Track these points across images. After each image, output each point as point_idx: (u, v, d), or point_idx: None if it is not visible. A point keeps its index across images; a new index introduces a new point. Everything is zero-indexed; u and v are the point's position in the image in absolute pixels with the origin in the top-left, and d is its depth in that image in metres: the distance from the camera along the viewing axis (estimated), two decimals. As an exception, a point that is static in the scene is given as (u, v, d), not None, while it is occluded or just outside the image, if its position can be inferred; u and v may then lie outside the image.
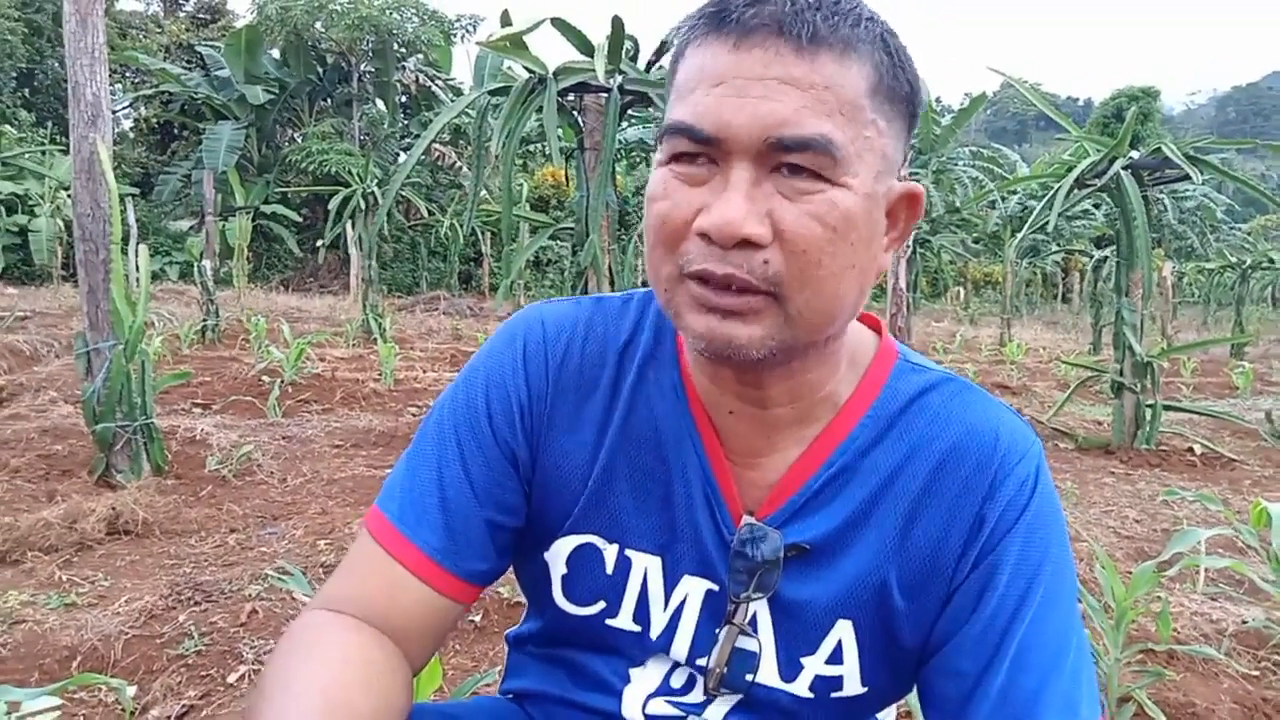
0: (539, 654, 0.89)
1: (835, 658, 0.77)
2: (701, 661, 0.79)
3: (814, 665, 0.77)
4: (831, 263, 0.66)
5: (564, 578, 0.83)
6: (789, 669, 0.77)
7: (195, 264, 8.81)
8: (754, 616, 0.77)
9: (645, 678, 0.82)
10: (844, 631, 0.77)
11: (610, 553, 0.81)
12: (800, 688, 0.78)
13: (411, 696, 0.75)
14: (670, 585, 0.80)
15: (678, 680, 0.82)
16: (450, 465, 0.80)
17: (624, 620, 0.81)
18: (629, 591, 0.81)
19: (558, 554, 0.82)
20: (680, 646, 0.80)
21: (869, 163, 0.66)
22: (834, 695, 0.78)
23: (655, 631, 0.80)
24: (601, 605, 0.82)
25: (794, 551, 0.76)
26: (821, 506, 0.77)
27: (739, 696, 0.79)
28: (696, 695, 0.81)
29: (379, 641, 0.74)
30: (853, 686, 0.78)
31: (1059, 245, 16.87)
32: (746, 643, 0.78)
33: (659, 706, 0.82)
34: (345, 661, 0.69)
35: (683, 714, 0.81)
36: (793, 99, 0.63)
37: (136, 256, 3.54)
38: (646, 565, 0.80)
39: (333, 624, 0.73)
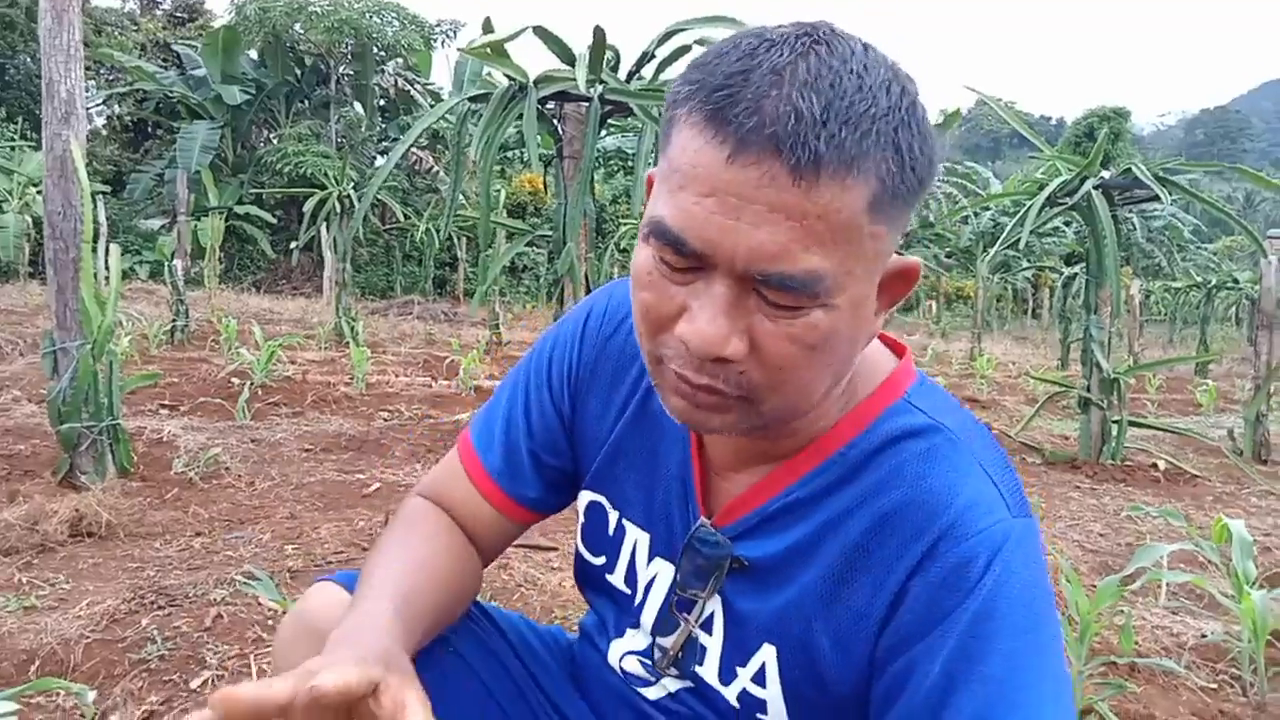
0: (584, 591, 1.01)
1: (759, 679, 0.79)
2: (661, 640, 0.86)
3: (743, 678, 0.81)
4: (806, 374, 0.66)
5: (582, 525, 0.96)
6: (726, 674, 0.82)
7: (166, 263, 8.71)
8: (711, 615, 0.83)
9: (635, 638, 0.92)
10: (768, 655, 0.78)
11: (613, 517, 0.92)
12: (731, 695, 0.82)
13: (480, 579, 0.96)
14: (649, 560, 0.89)
15: (655, 651, 0.89)
16: (515, 402, 0.96)
17: (618, 580, 0.92)
18: (622, 555, 0.91)
19: (581, 502, 0.95)
20: (647, 618, 0.88)
21: (858, 276, 0.64)
22: (759, 718, 0.80)
23: (637, 599, 0.90)
24: (603, 559, 0.94)
25: (736, 564, 0.80)
26: (769, 531, 0.79)
27: (689, 683, 0.86)
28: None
29: (457, 535, 0.94)
30: (777, 716, 0.79)
31: (1030, 261, 17.08)
32: (701, 636, 0.84)
33: (631, 663, 0.91)
34: (434, 537, 0.91)
35: (648, 676, 0.90)
36: (783, 231, 0.60)
37: (107, 255, 3.49)
38: (637, 538, 0.90)
39: (430, 512, 0.95)
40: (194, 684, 1.87)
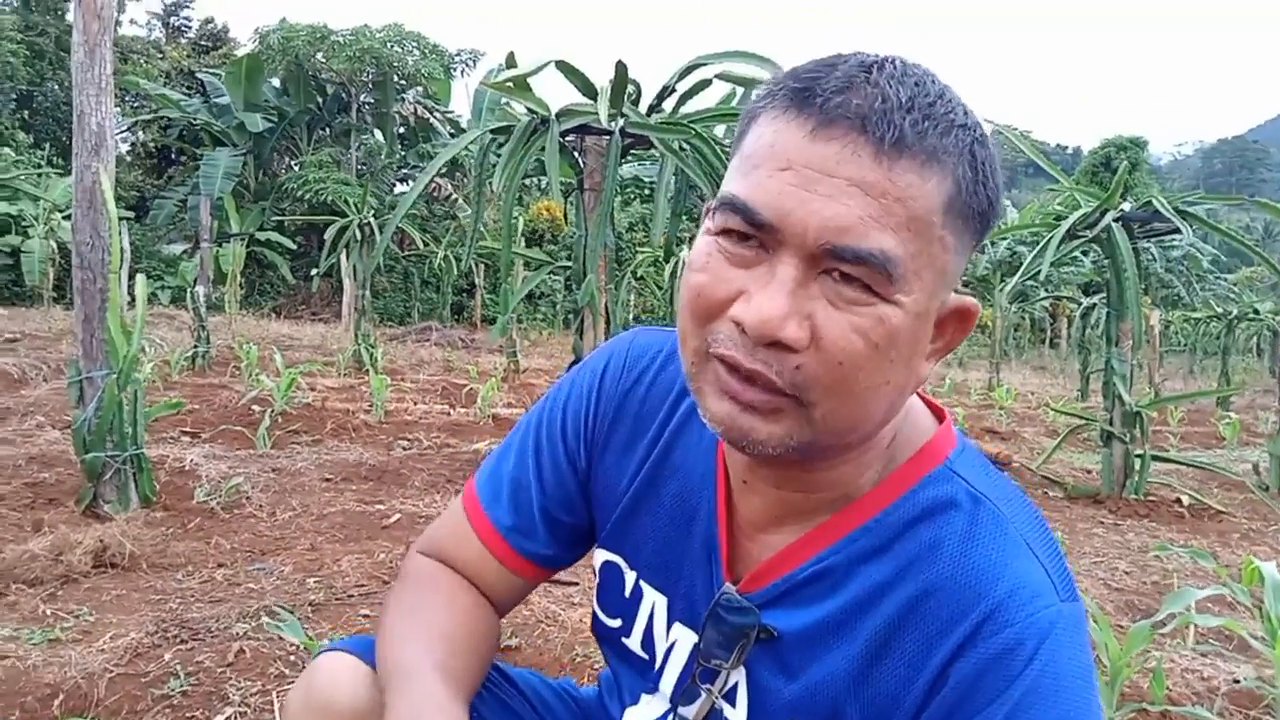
0: (601, 647, 0.97)
1: None
2: (682, 710, 0.81)
3: None
4: (867, 378, 0.62)
5: (598, 586, 0.91)
6: None
7: (188, 289, 8.80)
8: (735, 686, 0.78)
9: (650, 706, 0.86)
10: None
11: (629, 578, 0.87)
12: None
13: (499, 635, 0.91)
14: (668, 626, 0.84)
15: None
16: (526, 456, 0.90)
17: (634, 644, 0.87)
18: (639, 619, 0.86)
19: (597, 562, 0.90)
20: (666, 686, 0.83)
21: (926, 280, 0.62)
22: None
23: (657, 664, 0.85)
24: (619, 622, 0.89)
25: (764, 634, 0.75)
26: (800, 600, 0.74)
27: None
28: None
29: (474, 596, 0.89)
30: None
31: (1047, 291, 17.01)
32: (725, 708, 0.79)
33: None
34: (453, 603, 0.86)
35: None
36: (860, 205, 0.59)
37: (132, 283, 3.53)
38: (655, 601, 0.85)
39: (443, 574, 0.90)
40: (217, 720, 1.86)
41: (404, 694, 0.74)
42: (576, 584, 2.79)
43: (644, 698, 0.88)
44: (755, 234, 0.62)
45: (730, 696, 0.78)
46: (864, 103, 0.59)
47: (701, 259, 0.65)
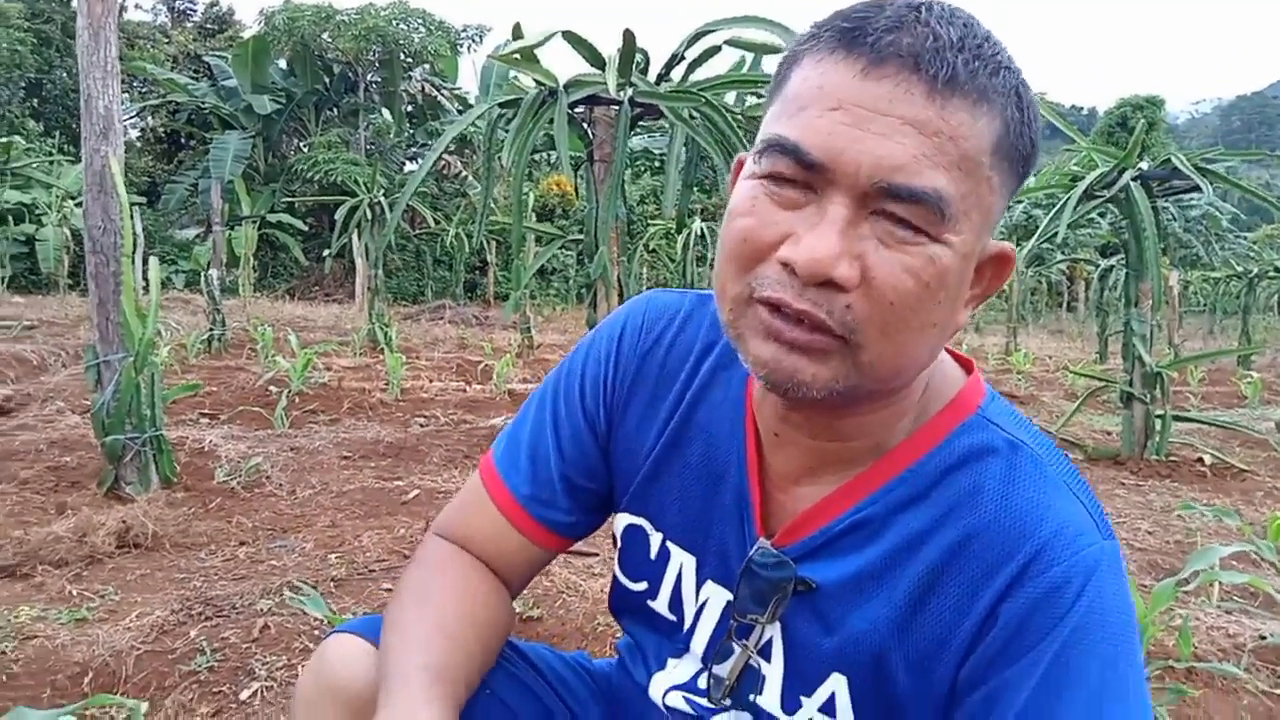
0: (620, 618, 0.96)
1: (829, 709, 0.75)
2: (716, 669, 0.81)
3: (810, 708, 0.76)
4: (915, 319, 0.62)
5: (620, 550, 0.90)
6: (790, 701, 0.77)
7: (202, 273, 8.83)
8: (769, 641, 0.78)
9: (678, 670, 0.86)
10: (838, 685, 0.74)
11: (655, 540, 0.86)
12: None
13: (513, 615, 0.90)
14: (699, 585, 0.83)
15: (704, 682, 0.84)
16: (544, 423, 0.89)
17: (661, 606, 0.87)
18: (666, 580, 0.86)
19: (618, 527, 0.89)
20: (698, 646, 0.83)
21: (974, 220, 0.62)
22: None
23: (686, 625, 0.84)
24: (645, 585, 0.88)
25: (802, 587, 0.75)
26: (838, 552, 0.74)
27: (747, 715, 0.80)
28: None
29: (485, 578, 0.87)
30: None
31: (1064, 254, 16.84)
32: (759, 663, 0.78)
33: (676, 699, 0.86)
34: (462, 587, 0.84)
35: (695, 714, 0.84)
36: (913, 143, 0.58)
37: (146, 267, 3.54)
38: (682, 561, 0.84)
39: (454, 558, 0.88)
40: (244, 695, 1.88)
41: (388, 707, 0.72)
42: (596, 554, 2.80)
43: (670, 662, 0.87)
44: (804, 176, 0.61)
45: (765, 652, 0.78)
46: (916, 41, 0.59)
47: (746, 203, 0.64)
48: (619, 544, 0.90)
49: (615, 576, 0.92)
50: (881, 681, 0.72)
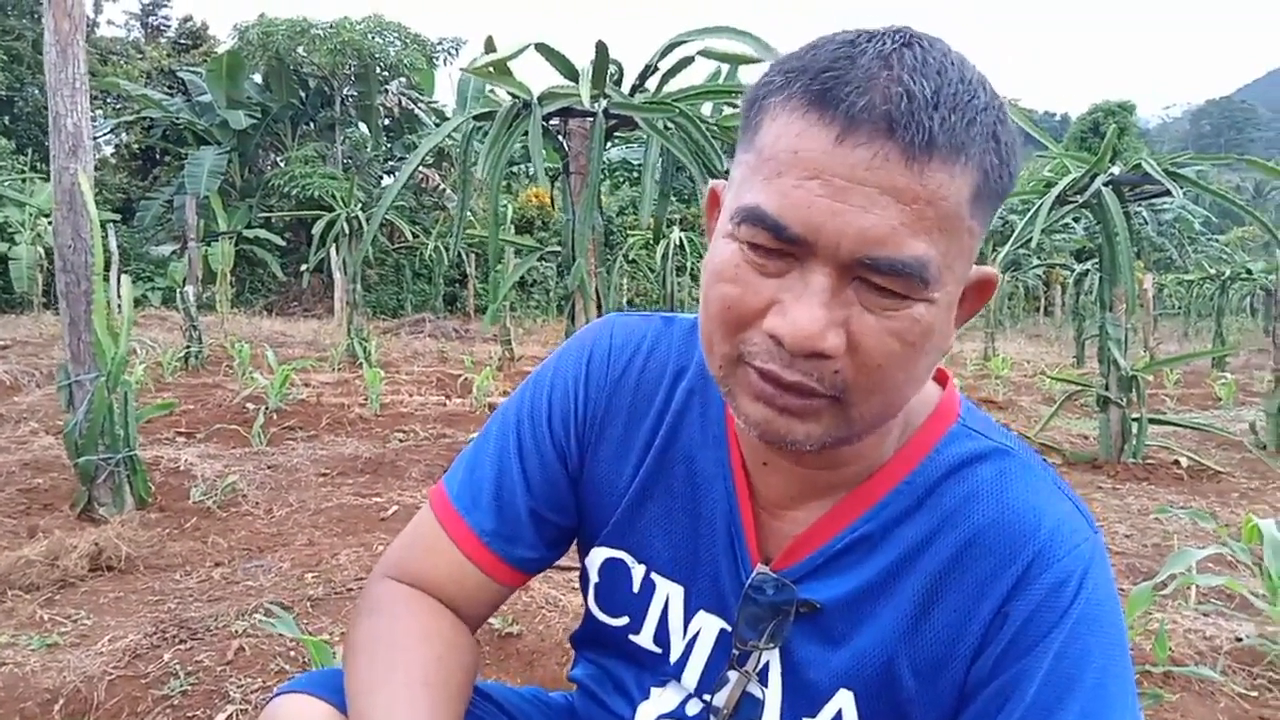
0: (586, 651, 0.94)
1: None
2: (709, 697, 0.80)
3: None
4: (904, 374, 0.63)
5: (597, 586, 0.87)
6: None
7: (178, 289, 8.76)
8: (766, 665, 0.77)
9: (663, 699, 0.85)
10: (844, 701, 0.74)
11: (638, 572, 0.84)
12: None
13: (478, 654, 0.85)
14: (688, 616, 0.82)
15: (692, 709, 0.83)
16: (509, 456, 0.85)
17: (645, 639, 0.84)
18: (651, 613, 0.84)
19: (593, 562, 0.86)
20: (690, 677, 0.82)
21: (956, 271, 0.63)
22: None
23: (673, 657, 0.83)
24: (626, 620, 0.85)
25: (805, 608, 0.75)
26: (839, 570, 0.74)
27: None
28: None
29: (448, 621, 0.83)
30: None
31: (1040, 259, 17.00)
32: (756, 689, 0.78)
33: None
34: (427, 635, 0.80)
35: None
36: (893, 213, 0.58)
37: (119, 285, 3.50)
38: (669, 592, 0.82)
39: (413, 601, 0.83)
40: (218, 719, 1.85)
41: None
42: (577, 569, 2.78)
43: (654, 691, 0.86)
44: (785, 247, 0.61)
45: (762, 676, 0.78)
46: (890, 104, 0.57)
47: (730, 270, 0.63)
48: (594, 579, 0.87)
49: (588, 613, 0.89)
50: (890, 690, 0.73)
